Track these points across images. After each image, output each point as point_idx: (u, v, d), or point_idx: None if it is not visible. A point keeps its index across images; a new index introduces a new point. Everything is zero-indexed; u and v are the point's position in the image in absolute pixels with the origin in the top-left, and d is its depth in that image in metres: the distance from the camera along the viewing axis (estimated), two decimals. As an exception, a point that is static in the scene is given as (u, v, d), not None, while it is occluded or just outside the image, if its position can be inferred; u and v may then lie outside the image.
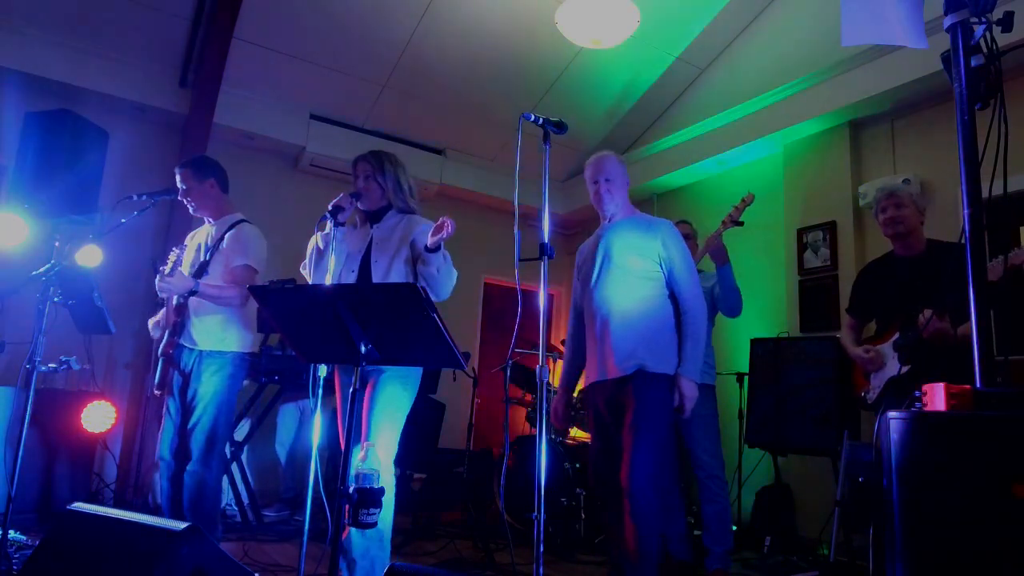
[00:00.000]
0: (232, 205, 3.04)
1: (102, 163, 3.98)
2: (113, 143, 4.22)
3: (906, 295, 2.65)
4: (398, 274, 2.48)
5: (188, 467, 2.68)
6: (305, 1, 4.51)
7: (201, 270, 2.83)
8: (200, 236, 2.99)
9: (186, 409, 2.75)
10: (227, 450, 4.11)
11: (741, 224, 3.34)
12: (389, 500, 2.34)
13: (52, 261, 2.70)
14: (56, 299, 2.69)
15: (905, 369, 2.59)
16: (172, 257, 2.65)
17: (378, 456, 2.27)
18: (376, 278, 2.46)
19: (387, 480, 2.31)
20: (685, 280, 2.50)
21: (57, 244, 3.00)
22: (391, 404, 2.38)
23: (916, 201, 2.80)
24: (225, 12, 4.40)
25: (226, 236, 2.88)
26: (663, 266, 2.49)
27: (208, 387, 2.73)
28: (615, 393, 2.40)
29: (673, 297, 2.51)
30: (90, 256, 3.18)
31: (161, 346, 2.78)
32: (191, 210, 2.99)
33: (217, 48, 4.57)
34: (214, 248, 2.87)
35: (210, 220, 2.99)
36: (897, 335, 2.68)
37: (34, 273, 2.67)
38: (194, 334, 2.76)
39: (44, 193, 3.57)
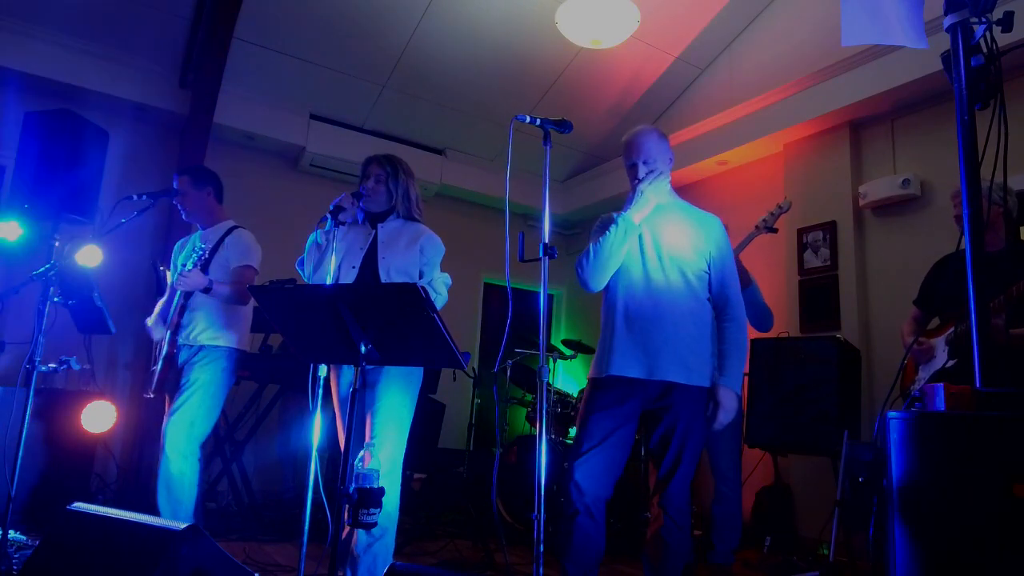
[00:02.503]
0: (225, 213, 3.13)
1: (102, 163, 3.98)
2: (113, 143, 4.21)
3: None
4: (405, 274, 2.51)
5: (164, 453, 2.64)
6: (305, 1, 4.51)
7: (202, 271, 2.86)
8: (194, 242, 3.04)
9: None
10: (226, 450, 4.11)
11: (775, 231, 3.28)
12: (395, 499, 2.36)
13: (52, 261, 2.71)
14: (56, 299, 2.70)
15: (952, 363, 2.57)
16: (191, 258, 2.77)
17: (379, 457, 2.28)
18: (383, 275, 2.49)
19: (393, 480, 2.33)
20: (732, 285, 2.28)
21: (57, 244, 3.01)
22: (394, 404, 2.40)
23: (986, 197, 2.77)
24: (225, 12, 4.40)
25: (226, 240, 2.97)
26: (710, 266, 2.26)
27: (198, 375, 2.78)
28: (646, 395, 2.17)
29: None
30: (90, 256, 3.19)
31: (164, 348, 2.80)
32: (183, 215, 3.07)
33: (217, 48, 4.57)
34: (213, 251, 2.93)
35: (201, 226, 3.07)
36: (952, 328, 2.67)
37: (34, 273, 2.68)
38: (193, 332, 2.83)
39: (44, 193, 3.57)
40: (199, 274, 2.73)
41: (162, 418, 2.85)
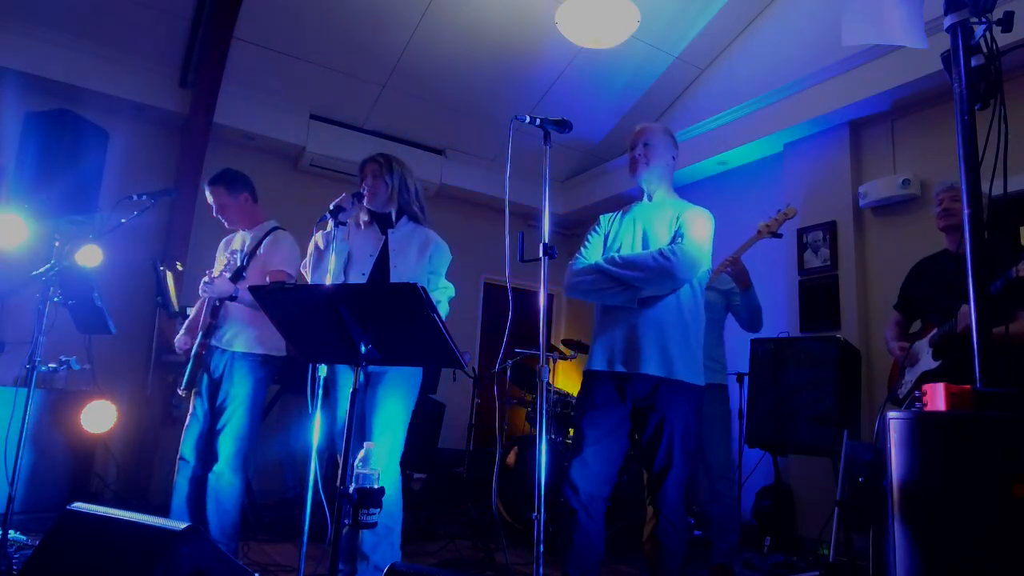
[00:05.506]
0: (265, 213, 3.09)
1: (102, 163, 3.99)
2: (113, 143, 4.22)
3: (954, 291, 2.55)
4: (418, 279, 2.51)
5: (215, 468, 2.68)
6: (305, 1, 4.51)
7: (238, 275, 2.85)
8: (236, 243, 3.03)
9: (214, 411, 2.77)
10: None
11: (779, 236, 3.29)
12: (397, 498, 2.39)
13: (52, 261, 2.71)
14: (56, 299, 2.70)
15: (937, 364, 2.58)
16: (222, 261, 2.76)
17: (381, 457, 2.29)
18: (395, 281, 2.50)
19: (392, 479, 2.36)
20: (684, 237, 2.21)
21: (57, 244, 3.01)
22: (394, 405, 2.41)
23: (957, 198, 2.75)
24: (225, 12, 4.40)
25: (263, 243, 2.93)
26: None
27: (240, 389, 2.76)
28: (634, 392, 2.19)
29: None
30: (90, 256, 3.18)
31: (194, 347, 2.79)
32: (226, 224, 3.03)
33: (217, 48, 4.57)
34: (251, 254, 2.91)
35: (244, 229, 3.03)
36: (935, 330, 2.67)
37: (34, 273, 2.68)
38: (227, 336, 2.80)
39: (44, 193, 3.58)
40: (224, 281, 2.71)
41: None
